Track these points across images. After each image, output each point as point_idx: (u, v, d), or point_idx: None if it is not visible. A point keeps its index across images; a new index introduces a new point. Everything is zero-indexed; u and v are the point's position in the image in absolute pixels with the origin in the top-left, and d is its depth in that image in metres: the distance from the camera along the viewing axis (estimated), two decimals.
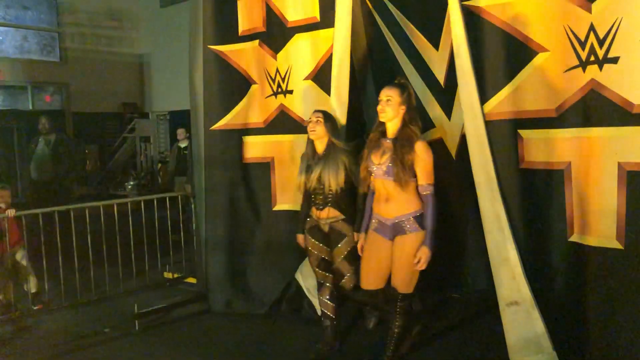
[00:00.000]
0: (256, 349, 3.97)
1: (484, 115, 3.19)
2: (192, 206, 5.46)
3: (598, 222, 2.85)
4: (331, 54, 3.88)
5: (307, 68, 4.11)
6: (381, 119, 3.30)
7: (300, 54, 4.14)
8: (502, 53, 3.14)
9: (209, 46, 4.49)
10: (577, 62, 2.88)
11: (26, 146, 8.00)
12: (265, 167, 4.44)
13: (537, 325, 3.06)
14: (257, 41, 4.39)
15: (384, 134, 3.36)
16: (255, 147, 4.51)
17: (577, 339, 2.99)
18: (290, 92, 4.23)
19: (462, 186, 3.71)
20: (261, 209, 4.52)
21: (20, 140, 10.13)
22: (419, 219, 3.25)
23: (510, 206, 3.17)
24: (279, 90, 4.30)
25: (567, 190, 3.00)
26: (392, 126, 3.30)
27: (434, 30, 3.70)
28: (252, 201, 4.55)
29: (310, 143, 3.73)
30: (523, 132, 3.13)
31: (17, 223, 4.82)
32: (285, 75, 4.25)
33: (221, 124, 4.51)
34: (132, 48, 12.85)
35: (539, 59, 3.02)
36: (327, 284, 3.76)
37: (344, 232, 3.66)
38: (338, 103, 3.86)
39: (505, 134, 3.17)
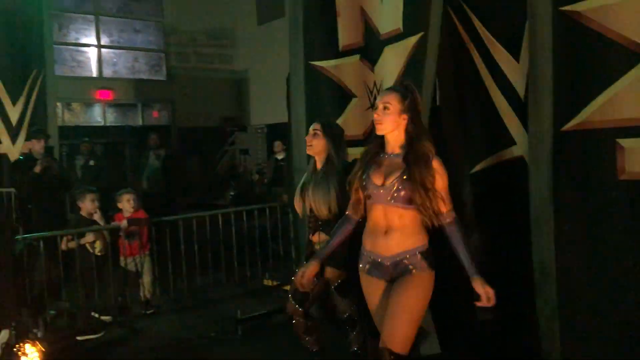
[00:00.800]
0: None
1: (560, 128, 2.94)
2: (290, 215, 5.63)
3: None
4: (407, 65, 3.83)
5: (392, 79, 4.12)
6: (378, 132, 2.66)
7: (388, 66, 4.15)
8: (600, 59, 2.95)
9: (310, 62, 4.62)
10: None
11: (137, 159, 8.60)
12: None
13: None
14: (357, 56, 4.45)
15: (382, 148, 2.72)
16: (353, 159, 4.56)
17: None
18: None
19: None
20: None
21: (132, 153, 10.90)
22: (427, 256, 2.62)
23: (604, 225, 2.85)
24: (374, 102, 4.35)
25: None
26: (394, 140, 2.66)
27: (515, 41, 3.54)
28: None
29: (313, 159, 3.33)
30: (624, 141, 2.92)
31: (145, 228, 5.17)
32: (379, 87, 4.29)
33: None
34: (231, 65, 13.42)
35: None
36: (300, 319, 3.31)
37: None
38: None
39: (602, 144, 2.96)
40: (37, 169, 5.16)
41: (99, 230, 4.89)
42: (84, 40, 11.72)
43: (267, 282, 5.75)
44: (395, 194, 2.56)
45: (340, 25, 4.49)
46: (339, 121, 4.54)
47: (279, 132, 9.69)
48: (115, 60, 12.14)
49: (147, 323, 4.98)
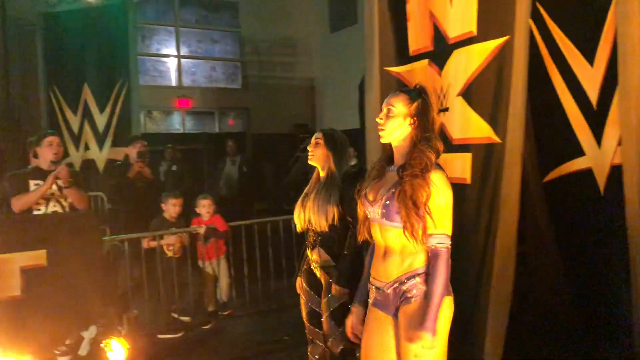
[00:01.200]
0: None
1: None
2: None
3: None
4: (483, 69, 3.71)
5: (459, 84, 4.02)
6: (380, 139, 2.36)
7: (456, 70, 4.06)
8: None
9: (385, 68, 4.62)
10: None
11: (213, 165, 8.86)
12: None
13: None
14: (426, 60, 4.40)
15: (390, 160, 2.40)
16: None
17: None
18: (447, 109, 4.17)
19: (609, 228, 3.10)
20: None
21: (208, 159, 11.25)
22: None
23: None
24: (440, 107, 4.27)
25: None
26: (399, 149, 2.32)
27: (590, 43, 3.31)
28: None
29: (316, 169, 3.15)
30: None
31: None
32: (445, 93, 4.21)
33: None
34: (303, 73, 13.60)
35: None
36: (318, 342, 3.08)
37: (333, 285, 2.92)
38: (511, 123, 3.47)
39: None
40: (131, 173, 5.44)
41: (178, 233, 5.07)
42: (164, 51, 12.24)
43: None
44: (385, 210, 2.24)
45: (410, 29, 4.46)
46: None
47: (350, 138, 9.69)
48: (194, 69, 12.60)
49: (223, 325, 5.11)
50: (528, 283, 3.56)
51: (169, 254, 5.04)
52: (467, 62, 3.85)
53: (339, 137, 3.16)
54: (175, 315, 5.04)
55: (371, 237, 2.39)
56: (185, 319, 5.04)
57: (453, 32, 4.04)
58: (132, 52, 7.69)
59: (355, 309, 2.51)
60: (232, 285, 5.37)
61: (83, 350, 4.32)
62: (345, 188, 2.89)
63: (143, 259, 4.91)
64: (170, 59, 12.31)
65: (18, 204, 4.06)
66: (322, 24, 12.92)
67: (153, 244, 4.96)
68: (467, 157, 3.70)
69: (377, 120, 2.34)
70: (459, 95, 3.88)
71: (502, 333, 3.33)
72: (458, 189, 3.83)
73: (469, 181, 3.68)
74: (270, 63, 13.26)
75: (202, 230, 5.11)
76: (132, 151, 5.54)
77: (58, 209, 4.19)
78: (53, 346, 4.29)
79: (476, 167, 3.64)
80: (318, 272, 3.01)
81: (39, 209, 4.14)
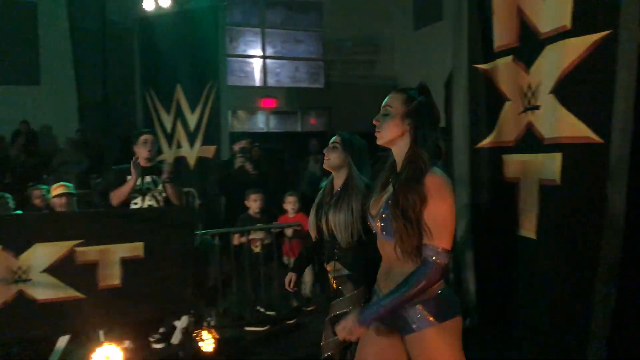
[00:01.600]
0: None
1: None
2: None
3: None
4: (578, 66, 3.50)
5: (551, 81, 3.83)
6: (377, 142, 2.17)
7: (548, 66, 3.88)
8: None
9: (474, 65, 4.51)
10: None
11: (296, 164, 9.00)
12: (510, 188, 4.25)
13: None
14: (511, 57, 4.25)
15: (394, 167, 2.17)
16: (505, 167, 4.36)
17: None
18: (537, 107, 3.99)
19: None
20: (508, 234, 4.31)
21: (291, 158, 11.45)
22: (431, 305, 2.00)
23: None
24: (529, 106, 4.11)
25: None
26: (399, 154, 2.12)
27: None
28: (503, 224, 4.37)
29: (331, 176, 2.97)
30: None
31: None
32: (535, 90, 4.03)
33: (485, 142, 4.47)
34: (386, 71, 13.52)
35: None
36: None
37: (343, 292, 2.80)
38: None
39: None
40: (235, 168, 5.72)
41: (263, 230, 5.21)
42: (250, 52, 12.59)
43: None
44: (383, 224, 2.05)
45: (495, 24, 4.32)
46: (496, 125, 4.37)
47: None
48: (278, 70, 12.87)
49: (307, 320, 5.19)
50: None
51: (256, 249, 5.18)
52: (560, 58, 3.67)
53: (358, 142, 2.95)
54: (261, 310, 5.17)
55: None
56: (271, 313, 5.16)
57: (545, 27, 3.87)
58: (221, 54, 7.95)
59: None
60: (316, 282, 5.45)
61: (175, 339, 4.52)
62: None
63: (232, 254, 5.07)
64: (255, 60, 12.63)
65: (114, 197, 4.31)
66: (406, 21, 12.79)
67: (243, 239, 5.12)
68: (558, 157, 3.55)
69: (373, 121, 2.17)
70: (550, 92, 3.71)
71: (606, 336, 3.19)
72: (546, 190, 3.71)
73: (558, 182, 3.52)
74: (353, 62, 13.30)
75: (289, 231, 5.24)
76: (237, 147, 5.81)
77: (154, 203, 4.40)
78: (148, 333, 4.53)
79: (569, 168, 3.48)
80: (334, 283, 2.88)
81: (136, 203, 4.37)
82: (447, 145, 5.17)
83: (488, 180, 4.48)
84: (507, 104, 4.34)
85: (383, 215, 2.04)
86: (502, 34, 4.28)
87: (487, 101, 4.46)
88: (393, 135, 2.10)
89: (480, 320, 4.53)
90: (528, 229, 3.93)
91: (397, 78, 13.47)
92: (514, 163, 4.20)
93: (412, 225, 1.94)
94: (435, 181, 1.96)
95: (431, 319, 1.98)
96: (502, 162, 4.30)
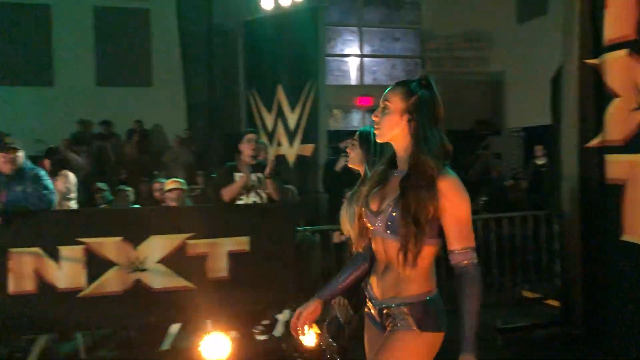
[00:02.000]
0: None
1: None
2: (554, 225, 5.29)
3: None
4: None
5: None
6: (377, 139, 2.06)
7: None
8: None
9: (584, 61, 4.30)
10: None
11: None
12: (616, 190, 3.99)
13: None
14: (625, 51, 3.98)
15: (393, 163, 2.08)
16: (612, 167, 4.11)
17: None
18: None
19: None
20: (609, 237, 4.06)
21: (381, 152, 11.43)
22: (417, 310, 1.93)
23: None
24: None
25: None
26: (401, 151, 2.02)
27: None
28: (606, 227, 4.13)
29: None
30: None
31: None
32: None
33: (596, 141, 4.25)
34: (487, 67, 13.12)
35: None
36: (334, 356, 2.86)
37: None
38: None
39: None
40: (338, 167, 5.86)
41: None
42: (347, 51, 12.68)
43: (527, 294, 5.51)
44: (390, 223, 1.96)
45: (608, 17, 4.07)
46: (606, 123, 4.12)
47: (538, 135, 9.15)
48: (375, 68, 12.88)
49: None
50: None
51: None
52: None
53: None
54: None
55: (370, 249, 2.13)
56: None
57: None
58: (321, 54, 8.10)
59: (313, 305, 2.23)
60: None
61: (277, 332, 4.68)
62: None
63: (333, 251, 5.16)
64: (352, 59, 12.71)
65: (226, 193, 4.53)
66: (508, 15, 12.32)
67: (342, 237, 5.20)
68: None
69: (372, 117, 2.06)
70: None
71: None
72: None
73: None
74: (451, 58, 13.02)
75: None
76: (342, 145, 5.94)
77: (257, 199, 4.59)
78: (252, 325, 4.72)
79: None
80: None
81: (241, 199, 4.58)
82: (556, 143, 4.96)
83: (596, 182, 4.27)
84: (616, 101, 4.10)
85: (392, 214, 1.95)
86: (616, 26, 4.05)
87: (597, 98, 4.25)
88: (392, 133, 1.99)
89: (585, 331, 4.31)
90: (634, 234, 3.76)
91: (499, 74, 13.05)
92: (621, 163, 3.99)
93: (423, 231, 1.89)
94: (450, 184, 1.90)
95: (413, 326, 1.93)
96: (609, 162, 4.12)
